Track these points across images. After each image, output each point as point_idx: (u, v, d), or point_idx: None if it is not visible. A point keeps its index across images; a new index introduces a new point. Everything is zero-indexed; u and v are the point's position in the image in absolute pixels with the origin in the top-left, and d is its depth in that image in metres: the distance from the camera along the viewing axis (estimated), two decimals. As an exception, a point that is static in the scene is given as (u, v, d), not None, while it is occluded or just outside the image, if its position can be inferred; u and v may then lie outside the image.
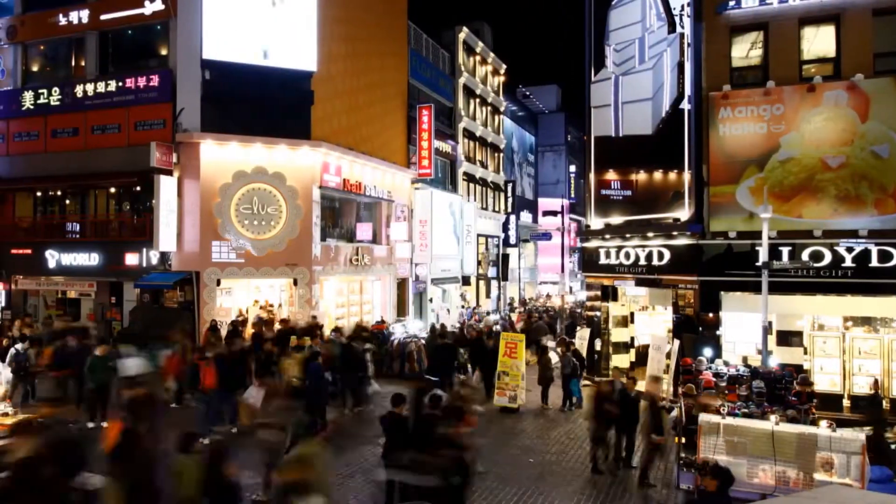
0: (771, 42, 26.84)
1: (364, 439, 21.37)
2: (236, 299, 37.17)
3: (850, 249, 25.06)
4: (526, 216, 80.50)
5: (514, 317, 47.74)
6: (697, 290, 27.66)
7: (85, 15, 38.75)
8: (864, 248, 24.95)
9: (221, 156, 35.22)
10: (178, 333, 27.20)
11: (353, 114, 42.15)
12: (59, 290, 40.87)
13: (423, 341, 33.17)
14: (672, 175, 29.51)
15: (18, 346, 25.67)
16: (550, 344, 33.45)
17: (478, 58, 65.75)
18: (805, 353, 25.99)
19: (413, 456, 14.15)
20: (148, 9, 36.93)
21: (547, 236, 68.32)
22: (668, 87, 29.44)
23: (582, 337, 33.25)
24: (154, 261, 35.91)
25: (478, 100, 65.72)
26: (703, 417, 16.78)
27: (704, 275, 27.25)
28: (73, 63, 40.26)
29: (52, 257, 38.94)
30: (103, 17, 38.28)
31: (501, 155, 73.56)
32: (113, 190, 39.02)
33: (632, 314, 33.05)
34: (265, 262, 35.61)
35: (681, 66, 28.61)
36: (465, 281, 58.12)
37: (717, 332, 27.16)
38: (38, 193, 41.21)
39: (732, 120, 26.81)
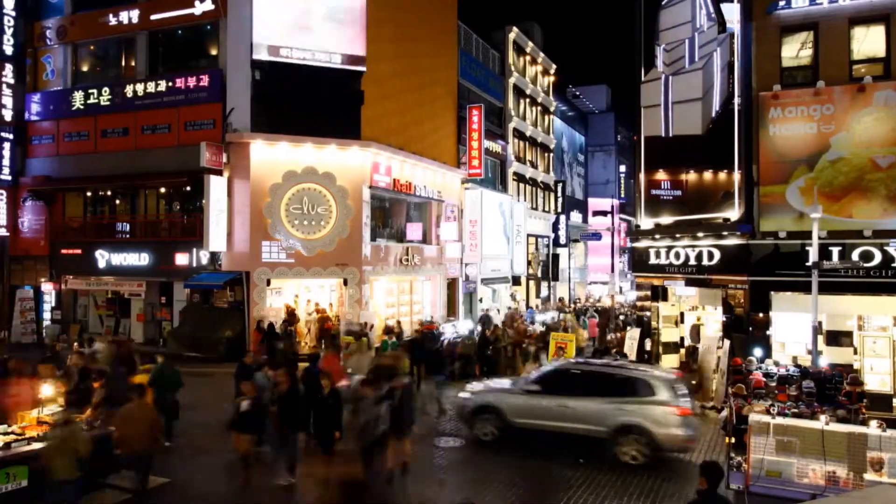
0: (821, 42, 27.48)
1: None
2: (286, 299, 38.07)
3: (900, 250, 25.53)
4: (576, 216, 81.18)
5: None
6: (747, 291, 28.22)
7: (135, 15, 40.43)
8: (914, 249, 25.45)
9: (271, 156, 36.64)
10: None
11: (403, 114, 43.41)
12: (108, 289, 42.60)
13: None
14: (722, 175, 30.24)
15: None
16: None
17: (528, 58, 66.72)
18: (855, 353, 26.55)
19: None
20: (198, 9, 38.47)
21: (597, 236, 68.81)
22: (718, 88, 30.22)
23: (632, 337, 33.77)
24: (204, 261, 37.42)
25: (528, 100, 66.61)
26: (753, 417, 17.07)
27: (754, 275, 27.88)
28: (122, 63, 42.04)
29: (102, 257, 40.61)
30: (153, 16, 40.02)
31: (551, 155, 74.27)
32: (163, 190, 40.78)
33: (682, 314, 33.58)
34: (315, 262, 36.92)
35: (731, 66, 29.32)
36: (515, 281, 59.12)
37: (768, 333, 27.72)
38: (88, 193, 43.05)
39: (782, 120, 27.47)
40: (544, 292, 68.83)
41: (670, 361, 32.28)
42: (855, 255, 25.77)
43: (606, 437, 20.34)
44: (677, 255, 31.44)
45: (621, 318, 49.48)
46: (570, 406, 20.87)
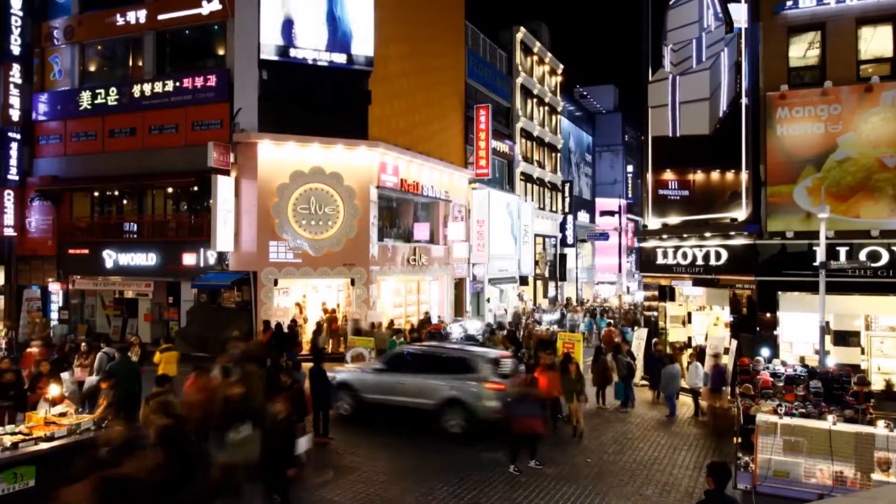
0: (828, 42, 27.64)
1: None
2: (294, 299, 38.20)
3: (907, 249, 25.64)
4: (583, 216, 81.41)
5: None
6: (755, 290, 28.28)
7: (142, 15, 40.59)
8: (922, 249, 25.58)
9: (279, 156, 36.81)
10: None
11: (411, 114, 43.62)
12: (116, 290, 42.72)
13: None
14: (729, 175, 30.35)
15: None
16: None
17: (535, 58, 67.05)
18: (862, 352, 26.70)
19: None
20: (205, 9, 38.61)
21: (604, 236, 68.94)
22: (725, 87, 30.33)
23: (639, 337, 33.86)
24: (211, 261, 37.58)
25: (535, 100, 66.94)
26: (761, 417, 17.14)
27: (762, 275, 28.04)
28: (130, 63, 42.20)
29: (110, 257, 40.79)
30: (161, 16, 40.16)
31: (559, 155, 74.54)
32: (170, 190, 40.92)
33: (689, 314, 33.62)
34: (322, 262, 37.10)
35: (738, 65, 29.44)
36: (523, 281, 59.41)
37: (775, 332, 27.85)
38: (96, 193, 43.21)
39: (790, 120, 27.61)
40: (552, 292, 69.00)
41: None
42: (862, 255, 25.91)
43: (435, 410, 22.43)
44: (685, 255, 31.56)
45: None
46: (408, 383, 23.28)
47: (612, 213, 65.08)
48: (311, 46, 37.46)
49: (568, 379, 24.02)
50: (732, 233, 29.38)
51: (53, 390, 18.80)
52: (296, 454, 15.33)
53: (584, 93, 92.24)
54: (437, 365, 23.52)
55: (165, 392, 16.01)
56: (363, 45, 38.32)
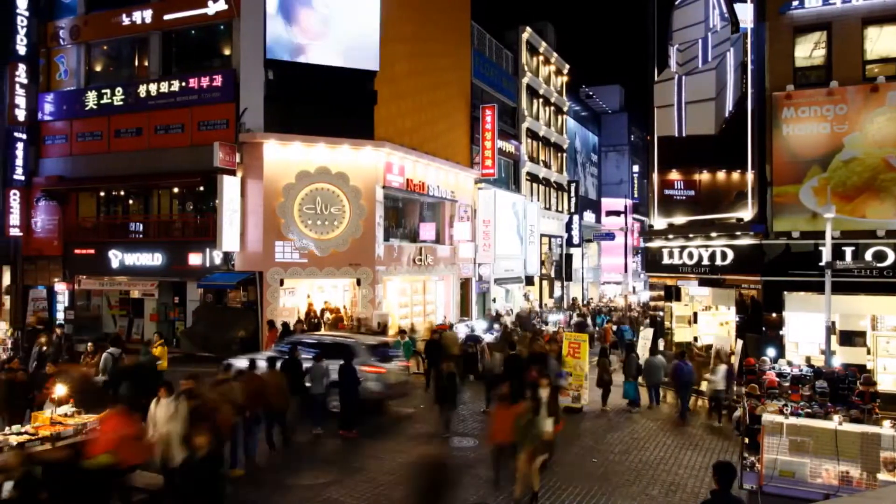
0: (834, 42, 27.73)
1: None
2: (299, 299, 38.23)
3: (914, 249, 25.68)
4: (589, 216, 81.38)
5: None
6: (761, 291, 28.32)
7: (148, 15, 40.65)
8: (928, 248, 25.61)
9: (285, 156, 36.94)
10: None
11: (417, 114, 43.75)
12: (121, 290, 42.75)
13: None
14: (735, 175, 30.46)
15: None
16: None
17: (541, 58, 67.12)
18: (868, 353, 26.76)
19: None
20: (211, 9, 38.61)
21: (610, 236, 69.06)
22: (731, 87, 30.41)
23: (645, 337, 33.90)
24: (217, 261, 37.61)
25: (541, 100, 66.97)
26: (767, 417, 17.15)
27: (768, 275, 28.11)
28: (136, 63, 42.30)
29: (116, 257, 40.86)
30: (167, 17, 40.22)
31: (564, 155, 74.55)
32: (176, 190, 41.04)
33: (695, 314, 33.68)
34: (328, 262, 37.20)
35: (744, 65, 29.52)
36: (529, 281, 59.46)
37: (781, 333, 27.88)
38: (102, 193, 43.29)
39: (795, 120, 27.68)
40: (557, 292, 69.07)
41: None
42: (868, 255, 25.99)
43: (323, 393, 23.13)
44: (690, 255, 31.61)
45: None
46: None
47: (617, 213, 65.27)
48: (318, 46, 37.57)
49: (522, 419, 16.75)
50: (738, 233, 29.46)
51: (59, 390, 18.89)
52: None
53: (590, 93, 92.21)
54: (326, 351, 24.27)
55: (230, 383, 18.41)
56: (369, 45, 38.38)
